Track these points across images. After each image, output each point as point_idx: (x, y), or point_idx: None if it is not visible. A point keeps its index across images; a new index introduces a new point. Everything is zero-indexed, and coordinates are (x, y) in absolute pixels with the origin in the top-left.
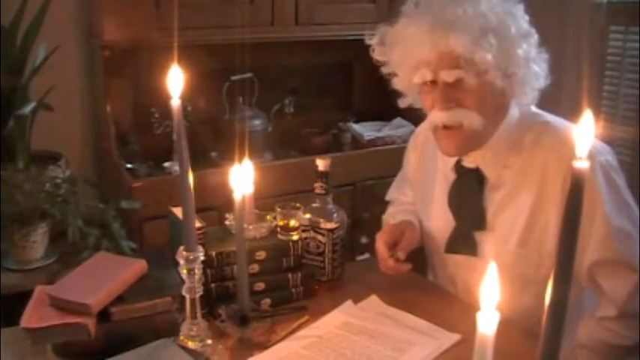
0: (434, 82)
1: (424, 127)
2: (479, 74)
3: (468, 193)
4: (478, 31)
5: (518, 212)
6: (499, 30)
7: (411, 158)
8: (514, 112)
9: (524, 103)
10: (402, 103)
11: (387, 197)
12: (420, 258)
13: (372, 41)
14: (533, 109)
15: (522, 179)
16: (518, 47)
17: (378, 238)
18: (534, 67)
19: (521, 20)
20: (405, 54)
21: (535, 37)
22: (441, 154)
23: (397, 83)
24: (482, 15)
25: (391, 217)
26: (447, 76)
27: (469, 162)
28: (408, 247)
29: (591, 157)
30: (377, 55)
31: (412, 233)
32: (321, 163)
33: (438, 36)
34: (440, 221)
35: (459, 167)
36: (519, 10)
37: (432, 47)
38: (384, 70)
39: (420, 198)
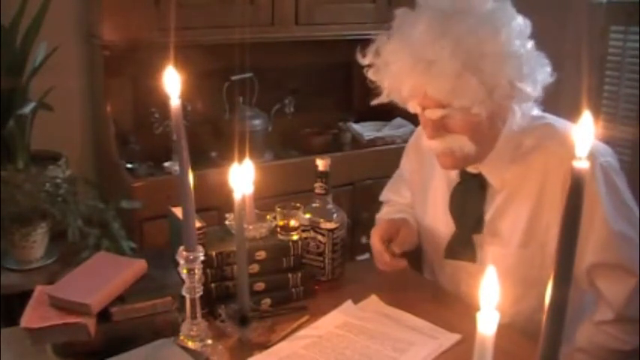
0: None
1: None
2: (463, 110)
3: (470, 198)
4: (456, 74)
5: (519, 213)
6: (478, 62)
7: (411, 157)
8: (515, 118)
9: (519, 116)
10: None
11: (382, 198)
12: (418, 258)
13: (365, 61)
14: (535, 111)
15: (524, 181)
16: (500, 73)
17: (373, 233)
18: (522, 86)
19: (503, 35)
20: (393, 86)
21: (529, 44)
22: None
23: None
24: (460, 48)
25: (386, 216)
26: (432, 114)
27: (472, 168)
28: (403, 243)
29: (591, 158)
30: (370, 75)
31: (408, 230)
32: (321, 163)
33: (418, 80)
34: (439, 225)
35: (462, 171)
36: (504, 15)
37: (414, 89)
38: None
39: (419, 199)
